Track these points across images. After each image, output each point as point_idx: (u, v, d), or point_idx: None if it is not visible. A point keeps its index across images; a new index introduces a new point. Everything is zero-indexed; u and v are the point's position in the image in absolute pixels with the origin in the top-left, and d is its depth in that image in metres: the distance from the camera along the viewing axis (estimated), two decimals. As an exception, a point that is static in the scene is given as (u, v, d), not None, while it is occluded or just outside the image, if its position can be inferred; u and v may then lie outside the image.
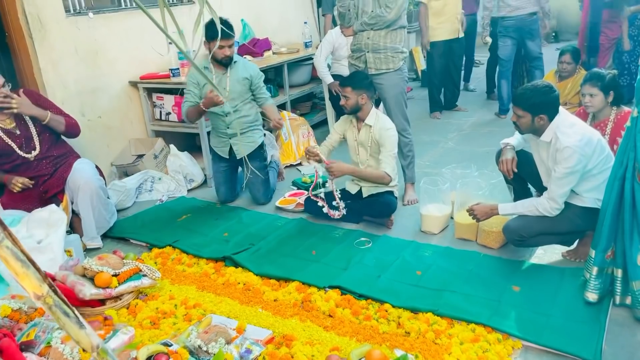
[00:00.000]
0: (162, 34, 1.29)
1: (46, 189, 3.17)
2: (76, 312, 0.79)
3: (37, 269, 0.75)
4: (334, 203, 3.20)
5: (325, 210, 3.21)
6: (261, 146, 3.75)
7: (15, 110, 3.02)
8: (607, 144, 2.56)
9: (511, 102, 2.58)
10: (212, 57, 3.48)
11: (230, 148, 3.66)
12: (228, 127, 3.58)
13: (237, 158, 3.65)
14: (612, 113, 3.03)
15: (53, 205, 2.97)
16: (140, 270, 2.62)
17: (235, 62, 3.55)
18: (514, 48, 5.26)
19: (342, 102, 3.16)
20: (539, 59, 5.24)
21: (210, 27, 3.34)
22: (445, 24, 5.38)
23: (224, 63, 3.50)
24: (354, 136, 3.27)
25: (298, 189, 3.96)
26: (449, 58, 5.62)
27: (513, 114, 2.56)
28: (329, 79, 4.74)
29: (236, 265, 2.86)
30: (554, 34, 10.24)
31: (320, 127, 5.50)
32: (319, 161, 3.13)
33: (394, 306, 2.37)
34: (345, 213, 3.19)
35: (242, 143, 3.67)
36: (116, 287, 2.49)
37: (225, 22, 3.33)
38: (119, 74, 4.11)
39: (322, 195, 3.26)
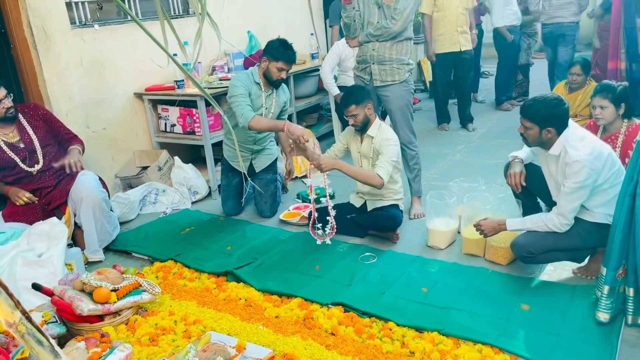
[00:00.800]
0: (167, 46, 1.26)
1: (49, 200, 3.16)
2: (51, 340, 0.75)
3: (10, 295, 0.71)
4: (327, 218, 3.11)
5: (309, 230, 3.12)
6: (276, 159, 3.78)
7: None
8: (618, 158, 2.50)
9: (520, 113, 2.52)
10: (264, 74, 3.46)
11: (251, 163, 3.69)
12: (255, 143, 3.61)
13: (256, 172, 3.67)
14: (623, 126, 2.97)
15: (55, 218, 2.95)
16: (140, 285, 2.59)
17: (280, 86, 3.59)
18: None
19: (351, 121, 3.10)
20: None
21: (277, 47, 3.36)
22: (444, 35, 5.33)
23: (276, 84, 3.50)
24: (357, 148, 3.23)
25: (303, 201, 3.92)
26: (456, 70, 5.57)
27: (520, 125, 2.51)
28: (335, 91, 4.72)
29: (238, 280, 2.82)
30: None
31: (326, 138, 5.47)
32: (306, 155, 3.06)
33: (398, 324, 2.32)
34: (328, 241, 3.07)
35: (260, 157, 3.71)
36: (115, 302, 2.45)
37: (291, 48, 3.40)
38: (124, 86, 4.12)
39: (315, 212, 3.14)
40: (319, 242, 3.08)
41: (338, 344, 2.25)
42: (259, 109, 3.47)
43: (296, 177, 4.48)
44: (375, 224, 3.14)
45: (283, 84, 3.64)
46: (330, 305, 2.51)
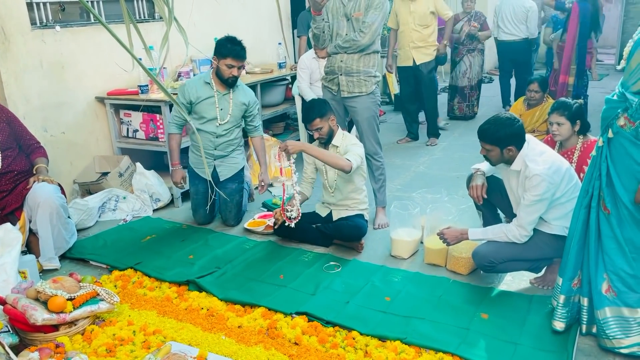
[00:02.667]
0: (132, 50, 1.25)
1: (3, 205, 3.04)
2: (6, 348, 0.72)
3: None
4: (291, 208, 3.12)
5: (281, 211, 3.14)
6: (242, 168, 3.72)
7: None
8: (575, 173, 2.60)
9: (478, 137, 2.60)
10: (216, 73, 3.43)
11: (215, 169, 3.61)
12: (216, 149, 3.54)
13: (220, 180, 3.60)
14: (579, 142, 3.09)
15: (8, 224, 2.85)
16: (98, 294, 2.52)
17: (237, 85, 3.53)
18: None
19: (316, 135, 3.11)
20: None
21: (224, 44, 3.32)
22: (402, 50, 5.50)
23: (229, 83, 3.45)
24: (321, 163, 3.24)
25: (268, 210, 3.90)
26: (416, 85, 5.62)
27: (482, 148, 2.59)
28: None
29: (200, 289, 2.78)
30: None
31: (292, 148, 5.48)
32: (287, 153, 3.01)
33: (361, 334, 2.33)
34: (293, 225, 3.10)
35: (225, 165, 3.63)
36: (71, 311, 2.37)
37: (240, 43, 3.35)
38: (85, 89, 4.02)
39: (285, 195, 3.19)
40: (287, 223, 3.11)
41: (301, 353, 2.24)
42: (212, 112, 3.44)
43: (271, 184, 4.45)
44: (341, 233, 3.16)
45: (245, 86, 3.62)
46: (294, 315, 2.50)
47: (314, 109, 3.08)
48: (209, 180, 3.54)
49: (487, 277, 2.81)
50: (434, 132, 5.67)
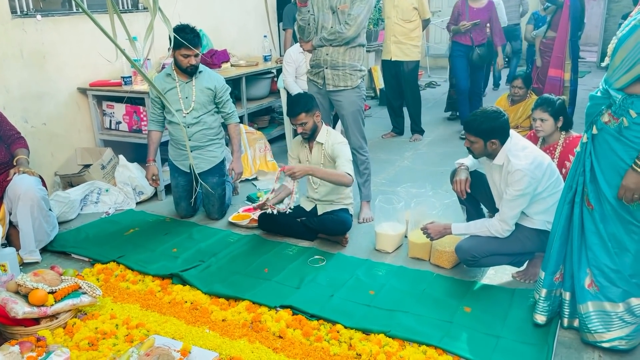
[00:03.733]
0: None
1: (-19, 197, 2.98)
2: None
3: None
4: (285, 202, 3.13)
5: (269, 210, 3.12)
6: (222, 161, 3.68)
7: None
8: (557, 168, 2.63)
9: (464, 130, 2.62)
10: (176, 64, 3.40)
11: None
12: (190, 139, 3.48)
13: (197, 173, 3.55)
14: (561, 138, 3.12)
15: (-13, 217, 2.79)
16: (80, 288, 2.48)
17: (200, 71, 3.48)
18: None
19: (300, 130, 3.08)
20: None
21: (176, 34, 3.26)
22: (384, 43, 5.50)
23: (189, 72, 3.41)
24: (306, 157, 3.23)
25: (252, 204, 3.88)
26: (397, 80, 5.60)
27: (466, 140, 2.60)
28: None
29: (184, 283, 2.75)
30: (506, 59, 10.60)
31: (277, 141, 5.46)
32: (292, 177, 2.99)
33: (346, 327, 2.33)
34: (291, 209, 3.10)
35: (202, 158, 3.57)
36: (52, 305, 2.34)
37: (192, 30, 3.29)
38: (67, 80, 3.95)
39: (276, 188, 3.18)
40: (270, 210, 3.12)
41: (286, 346, 2.23)
42: (177, 102, 3.41)
43: (246, 180, 4.44)
44: (325, 227, 3.16)
45: (211, 71, 3.58)
46: (278, 308, 2.50)
47: (300, 104, 3.05)
48: (193, 173, 3.50)
49: (470, 271, 2.84)
50: (417, 129, 5.67)
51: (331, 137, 3.15)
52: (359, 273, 2.82)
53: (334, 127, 4.39)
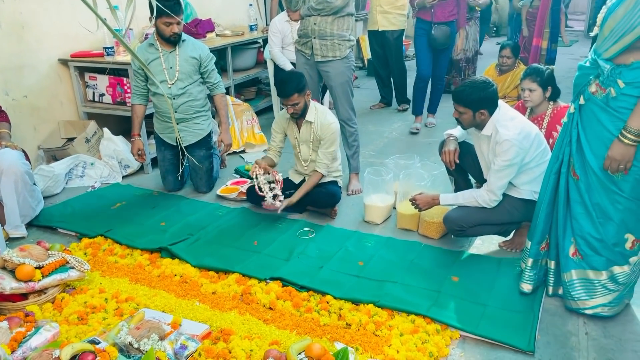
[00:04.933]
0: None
1: (-36, 173, 2.93)
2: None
3: None
4: (275, 192, 3.09)
5: (265, 204, 3.06)
6: (209, 134, 3.63)
7: None
8: (544, 138, 2.64)
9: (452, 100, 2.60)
10: (158, 34, 3.33)
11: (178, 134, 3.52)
12: (175, 112, 3.43)
13: (185, 145, 3.51)
14: (549, 108, 3.12)
15: (-30, 192, 2.74)
16: (67, 262, 2.47)
17: (184, 40, 3.40)
18: None
19: (291, 110, 3.01)
20: None
21: (157, 2, 3.16)
22: (370, 13, 5.41)
23: (172, 41, 3.34)
24: (294, 134, 3.20)
25: (241, 177, 3.86)
26: (383, 50, 5.53)
27: (455, 110, 2.59)
28: (289, 66, 4.64)
29: (173, 256, 2.75)
30: (494, 28, 10.55)
31: (265, 113, 5.40)
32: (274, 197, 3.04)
33: (335, 298, 2.36)
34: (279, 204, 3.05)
35: (189, 130, 3.52)
36: (40, 280, 2.33)
37: None
38: (47, 51, 3.84)
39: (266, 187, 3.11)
40: (275, 206, 3.06)
41: (276, 318, 2.26)
42: (161, 72, 3.35)
43: (234, 152, 4.40)
44: (314, 200, 3.16)
45: (195, 41, 3.51)
46: (268, 281, 2.51)
47: (292, 83, 2.96)
48: (179, 146, 3.46)
49: (458, 241, 2.87)
50: (403, 99, 5.65)
51: (320, 116, 3.10)
52: (348, 244, 2.84)
53: (322, 99, 4.36)
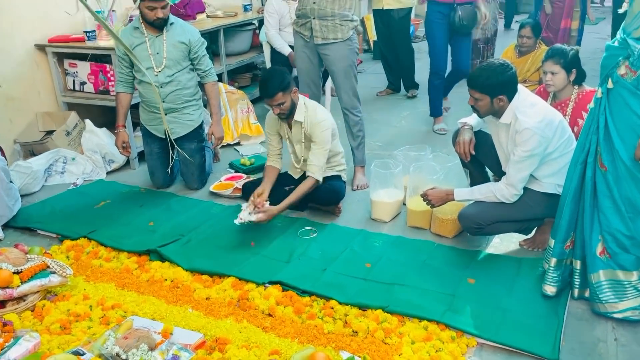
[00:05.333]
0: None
1: None
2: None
3: None
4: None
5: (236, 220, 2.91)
6: (200, 125, 3.64)
7: None
8: (568, 126, 2.63)
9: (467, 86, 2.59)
10: (142, 18, 3.33)
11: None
12: (163, 101, 3.43)
13: (173, 139, 3.49)
14: (574, 92, 3.11)
15: (-59, 191, 2.75)
16: (48, 267, 2.48)
17: (171, 23, 3.40)
18: None
19: (277, 111, 2.97)
20: None
21: None
22: None
23: (157, 25, 3.33)
24: (285, 134, 3.20)
25: (236, 171, 3.87)
26: (391, 31, 5.49)
27: (470, 97, 2.58)
28: (287, 50, 4.64)
29: (163, 259, 2.76)
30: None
31: (261, 101, 5.38)
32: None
33: (340, 303, 2.37)
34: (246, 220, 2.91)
35: (178, 122, 3.52)
36: (18, 286, 2.34)
37: None
38: (23, 36, 3.85)
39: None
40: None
41: (276, 325, 2.26)
42: (148, 59, 3.34)
43: (227, 145, 4.40)
44: (316, 196, 3.15)
45: (184, 24, 3.50)
46: (267, 285, 2.52)
47: (274, 81, 2.91)
48: (168, 139, 3.45)
49: (474, 239, 2.87)
50: (411, 84, 5.63)
51: (310, 114, 3.06)
52: (354, 245, 2.84)
53: (323, 85, 4.35)
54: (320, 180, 3.06)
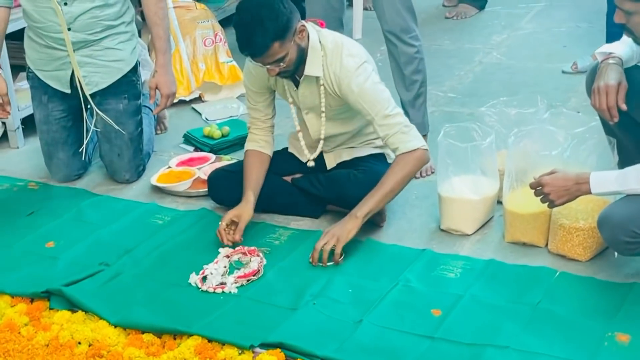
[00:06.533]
0: None
1: None
2: None
3: None
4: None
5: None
6: (134, 69, 3.69)
7: None
8: None
9: None
10: None
11: (73, 73, 3.55)
12: (69, 29, 3.47)
13: (90, 93, 3.57)
14: None
15: None
16: None
17: None
18: None
19: (274, 72, 2.95)
20: None
21: None
22: None
23: None
24: (288, 94, 3.22)
25: (196, 149, 3.90)
26: None
27: (617, 11, 2.58)
28: None
29: (73, 306, 2.80)
30: None
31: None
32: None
33: (389, 381, 2.40)
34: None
35: (96, 63, 3.58)
36: None
37: None
38: None
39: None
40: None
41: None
42: None
43: (181, 101, 4.42)
44: (342, 193, 3.19)
45: None
46: (257, 349, 2.55)
47: (264, 28, 2.84)
48: (82, 93, 3.49)
49: (627, 264, 2.88)
50: None
51: (332, 58, 3.05)
52: (411, 276, 2.87)
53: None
54: (423, 144, 3.07)
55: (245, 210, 3.06)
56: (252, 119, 3.29)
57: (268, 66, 2.94)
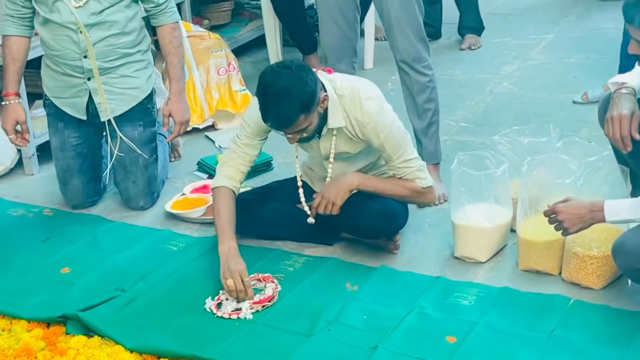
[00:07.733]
0: None
1: None
2: None
3: None
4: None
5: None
6: (149, 97, 3.71)
7: None
8: None
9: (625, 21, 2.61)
10: None
11: (90, 99, 3.58)
12: (86, 56, 3.50)
13: (102, 120, 3.59)
14: None
15: None
16: None
17: None
18: None
19: (295, 139, 2.98)
20: None
21: None
22: None
23: None
24: (311, 149, 3.23)
25: (209, 176, 3.91)
26: None
27: (632, 42, 2.60)
28: None
29: (89, 331, 2.81)
30: None
31: (250, 52, 5.48)
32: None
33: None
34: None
35: (112, 91, 3.58)
36: None
37: None
38: None
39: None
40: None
41: None
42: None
43: (194, 129, 4.44)
44: (359, 223, 3.19)
45: None
46: (272, 377, 2.56)
47: (292, 102, 2.79)
48: (105, 122, 3.51)
49: (640, 292, 2.88)
50: (473, 23, 5.80)
51: (351, 105, 3.03)
52: (425, 304, 2.87)
53: (362, 20, 4.36)
54: (428, 182, 3.15)
55: (241, 264, 2.98)
56: (233, 154, 3.21)
57: (289, 135, 2.95)
